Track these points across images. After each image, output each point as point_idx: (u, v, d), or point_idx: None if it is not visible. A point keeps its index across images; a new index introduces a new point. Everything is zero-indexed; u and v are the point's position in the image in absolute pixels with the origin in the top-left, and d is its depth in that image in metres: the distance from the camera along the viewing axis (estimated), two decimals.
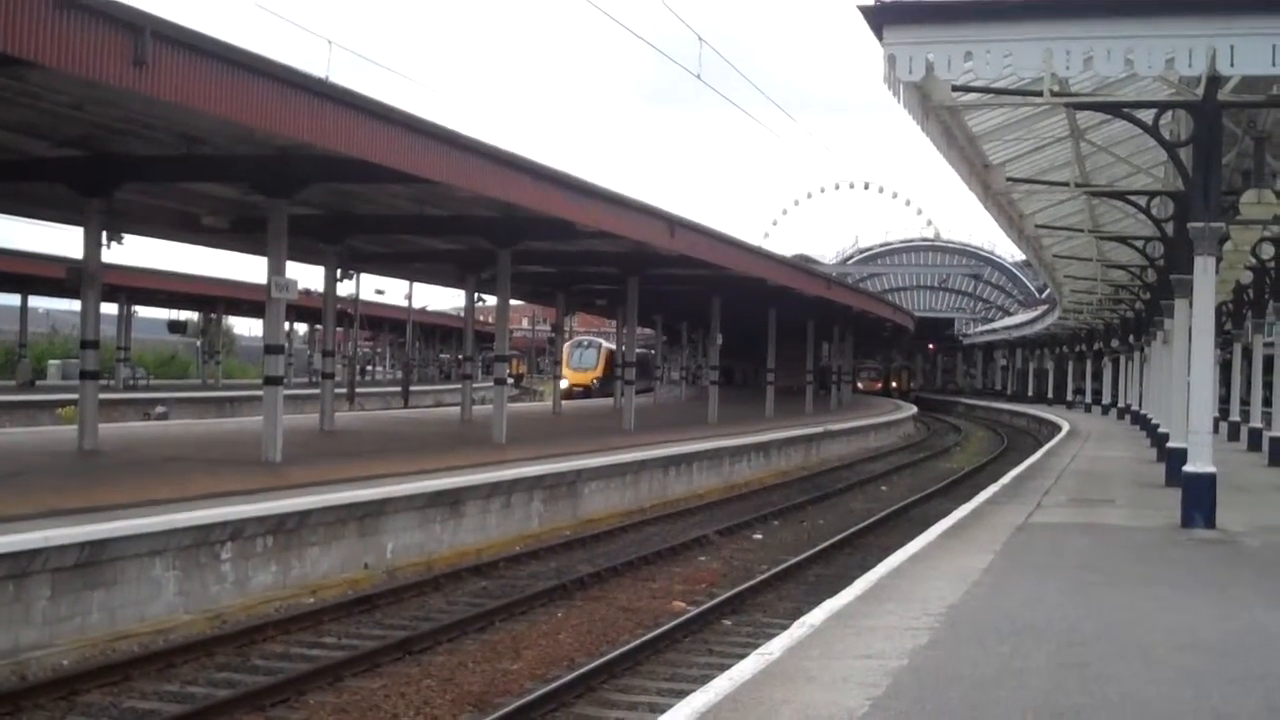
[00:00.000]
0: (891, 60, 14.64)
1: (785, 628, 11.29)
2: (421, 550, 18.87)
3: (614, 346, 65.08)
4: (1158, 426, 32.05)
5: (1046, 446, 39.14)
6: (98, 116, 18.23)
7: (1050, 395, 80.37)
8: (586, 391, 68.09)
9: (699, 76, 31.96)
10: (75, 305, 38.21)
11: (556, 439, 29.92)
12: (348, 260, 34.96)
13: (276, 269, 20.98)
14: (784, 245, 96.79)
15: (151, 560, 13.98)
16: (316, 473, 19.38)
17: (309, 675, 12.27)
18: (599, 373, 70.82)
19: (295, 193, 21.58)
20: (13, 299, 58.30)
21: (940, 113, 19.17)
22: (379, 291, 69.95)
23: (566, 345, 68.86)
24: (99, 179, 21.27)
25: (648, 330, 67.76)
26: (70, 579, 12.98)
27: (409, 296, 70.76)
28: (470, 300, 41.12)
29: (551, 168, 23.69)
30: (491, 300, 42.89)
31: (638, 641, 13.89)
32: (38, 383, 57.51)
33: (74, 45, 13.34)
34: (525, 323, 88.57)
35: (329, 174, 21.35)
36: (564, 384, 59.61)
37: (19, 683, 11.70)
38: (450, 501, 19.71)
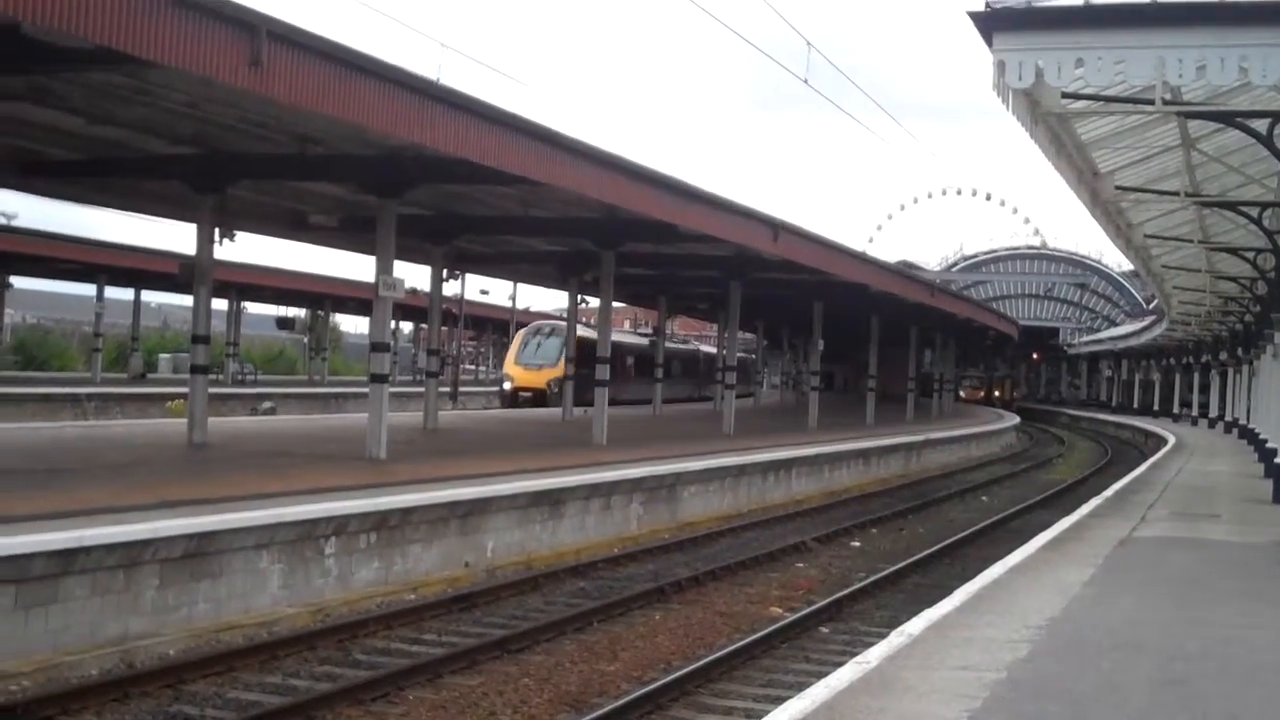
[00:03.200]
0: (1001, 66, 14.52)
1: (883, 636, 11.27)
2: (521, 550, 19.00)
3: (590, 334, 45.73)
4: (1265, 441, 31.46)
5: (1151, 460, 38.61)
6: (212, 115, 18.56)
7: (1156, 407, 79.13)
8: (539, 397, 50.23)
9: (806, 81, 32.03)
10: (187, 300, 38.97)
11: (656, 441, 29.98)
12: (454, 260, 35.33)
13: (384, 268, 21.24)
14: (888, 251, 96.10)
15: (257, 553, 14.22)
16: (419, 470, 19.59)
17: (409, 671, 12.41)
18: (559, 371, 47.73)
19: (404, 193, 21.85)
20: (126, 293, 59.48)
21: (1049, 120, 18.96)
22: (483, 292, 70.48)
23: (520, 333, 55.75)
24: (213, 176, 21.69)
25: (748, 335, 67.47)
26: (178, 569, 13.23)
27: (513, 297, 71.21)
28: (573, 302, 41.32)
29: (654, 170, 23.77)
30: (594, 302, 43.09)
31: (734, 646, 13.89)
32: (149, 376, 58.71)
33: (191, 45, 13.61)
34: (627, 325, 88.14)
35: (437, 175, 21.58)
36: (507, 385, 52.89)
37: (127, 670, 11.94)
38: (551, 502, 19.83)
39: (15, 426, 29.35)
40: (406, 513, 16.52)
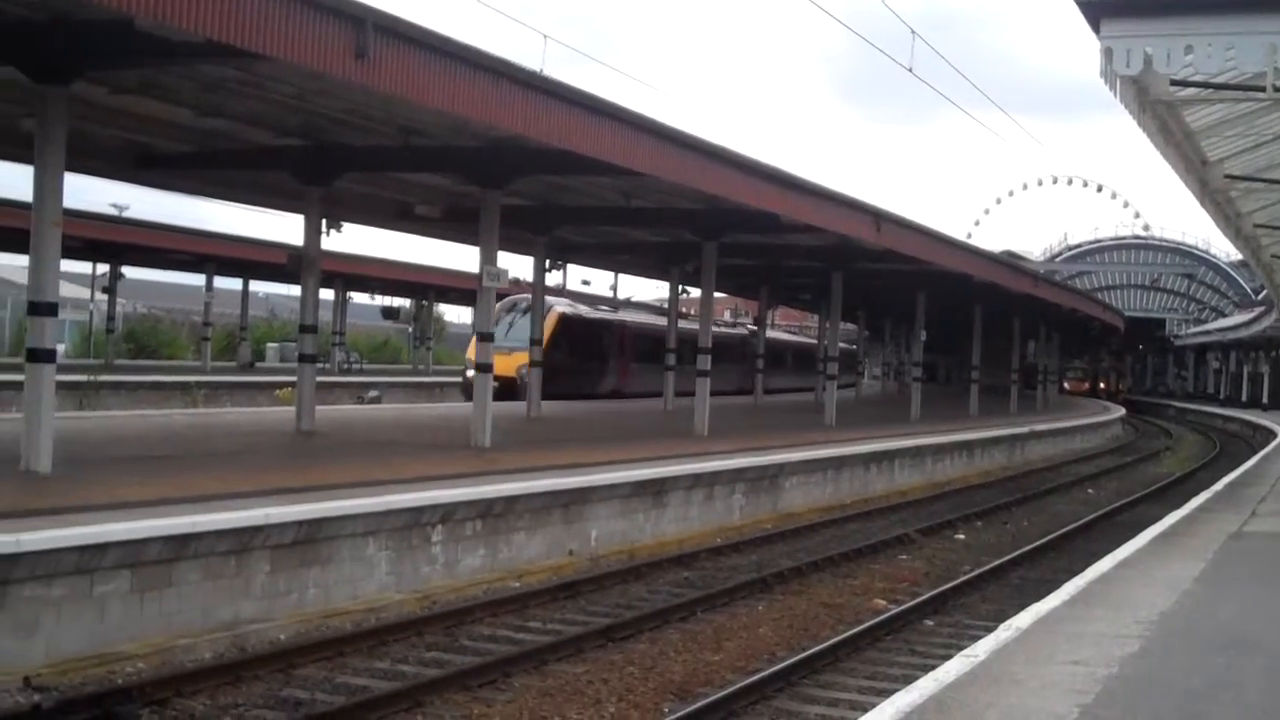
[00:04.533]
0: (1108, 54, 14.30)
1: (988, 630, 11.19)
2: (624, 538, 19.08)
3: (572, 310, 45.67)
4: None
5: (1262, 453, 37.93)
6: (319, 107, 18.80)
7: (1265, 400, 77.73)
8: (508, 387, 37.26)
9: (911, 70, 31.71)
10: (293, 290, 39.50)
11: (757, 432, 29.93)
12: (556, 250, 35.49)
13: (488, 258, 21.40)
14: (990, 241, 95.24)
15: (365, 540, 14.40)
16: (523, 459, 19.72)
17: (515, 658, 12.50)
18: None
19: (507, 184, 21.99)
20: (234, 283, 60.38)
21: (1157, 107, 18.64)
22: (585, 282, 70.63)
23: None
24: (320, 168, 21.97)
25: (850, 325, 67.02)
26: (288, 555, 13.43)
27: (614, 287, 71.23)
28: (674, 292, 41.31)
29: (756, 160, 23.72)
30: (695, 292, 43.06)
31: (839, 638, 13.84)
32: (256, 364, 59.59)
33: (299, 38, 13.78)
34: (727, 315, 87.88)
35: (540, 166, 21.69)
36: (470, 373, 33.14)
37: (239, 654, 12.14)
38: (653, 491, 19.89)
39: (128, 414, 29.95)
40: (511, 501, 16.64)
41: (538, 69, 18.53)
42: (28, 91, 15.63)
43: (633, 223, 31.19)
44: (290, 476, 15.90)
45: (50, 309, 15.07)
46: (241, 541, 12.84)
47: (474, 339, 41.29)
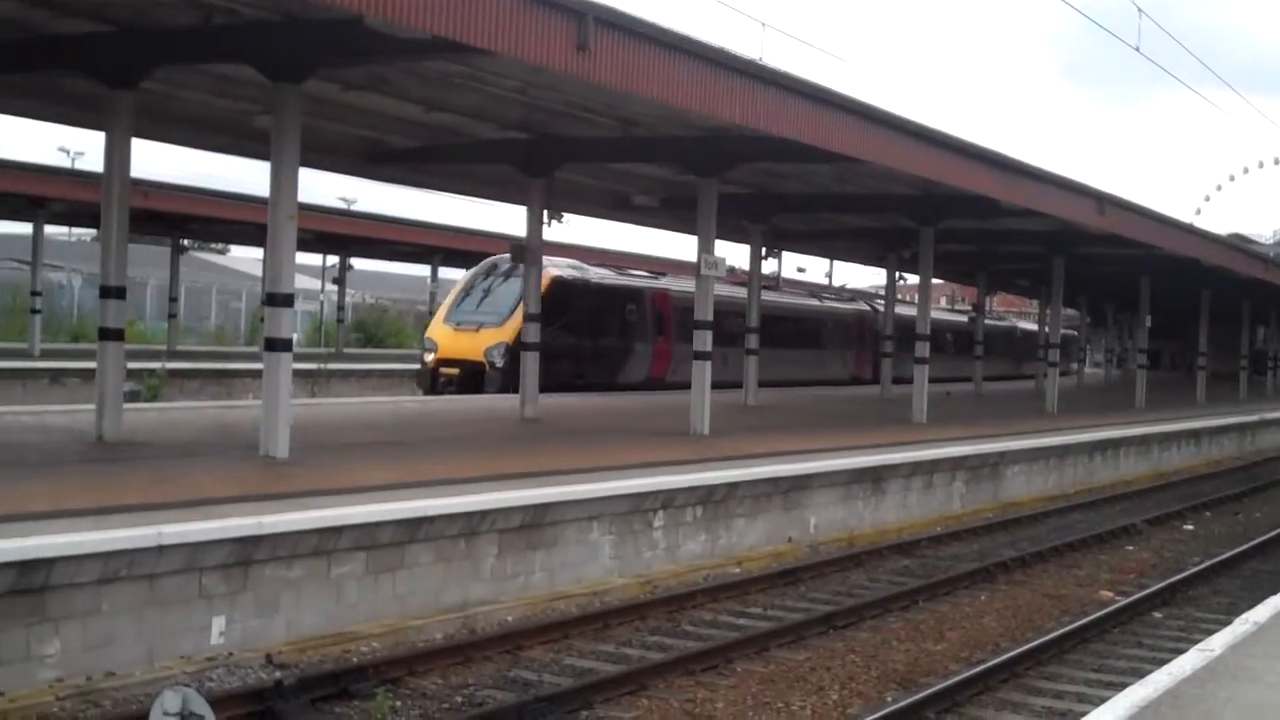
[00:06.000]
0: None
1: (1221, 623, 10.94)
2: (843, 526, 19.04)
3: (578, 274, 34.31)
4: None
5: None
6: (539, 100, 19.12)
7: None
8: (473, 377, 30.67)
9: (1138, 49, 30.82)
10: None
11: (975, 419, 29.54)
12: (772, 238, 35.44)
13: (706, 247, 21.50)
14: (1216, 223, 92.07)
15: (589, 525, 14.65)
16: (742, 446, 19.80)
17: (737, 644, 12.58)
18: (508, 336, 30.44)
19: (724, 172, 22.06)
20: (458, 273, 61.53)
21: None
22: (800, 270, 70.40)
23: (466, 275, 36.18)
24: (541, 160, 22.35)
25: (1070, 311, 65.48)
26: (515, 539, 13.73)
27: (829, 275, 70.94)
28: (891, 279, 40.90)
29: (975, 143, 23.37)
30: (912, 279, 42.63)
31: (1064, 629, 13.62)
32: None
33: (522, 32, 14.03)
34: (943, 301, 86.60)
35: (757, 153, 21.72)
36: (428, 357, 31.89)
37: (469, 635, 12.46)
38: (872, 479, 19.80)
39: (360, 401, 30.87)
40: (731, 487, 16.75)
41: (756, 57, 18.53)
42: (263, 90, 16.25)
43: (848, 209, 31.00)
44: (515, 462, 16.25)
45: (286, 300, 15.61)
46: (470, 525, 13.17)
47: (444, 307, 33.26)
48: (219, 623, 10.98)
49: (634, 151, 22.26)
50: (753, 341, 31.00)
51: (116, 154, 16.31)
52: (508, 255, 29.99)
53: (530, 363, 23.39)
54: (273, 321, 15.72)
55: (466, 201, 32.50)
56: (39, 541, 9.69)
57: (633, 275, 38.08)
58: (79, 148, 63.30)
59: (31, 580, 9.60)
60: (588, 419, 24.20)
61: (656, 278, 38.21)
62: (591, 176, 26.18)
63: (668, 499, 15.70)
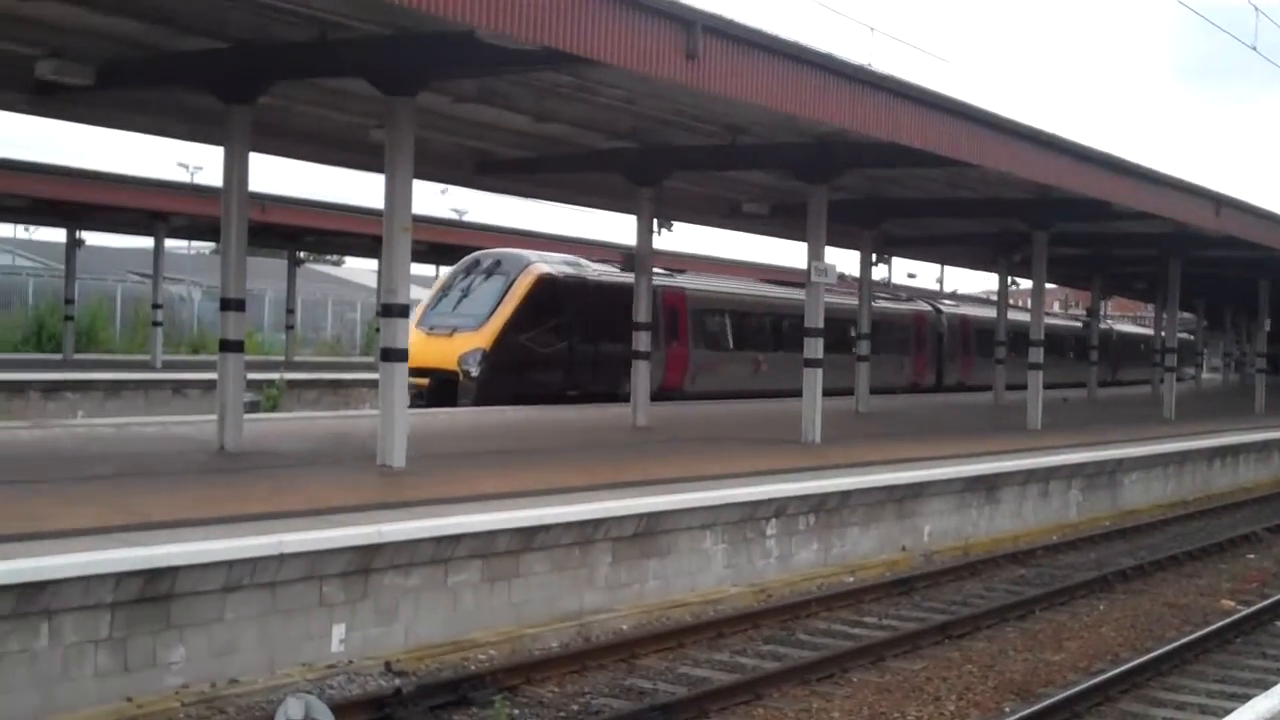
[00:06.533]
0: None
1: None
2: (958, 535, 18.87)
3: (573, 271, 30.70)
4: None
5: None
6: (649, 109, 19.20)
7: None
8: (443, 387, 27.20)
9: (1254, 48, 30.18)
10: None
11: (1091, 426, 29.17)
12: (881, 244, 35.20)
13: (815, 254, 21.42)
14: None
15: (702, 533, 14.65)
16: (853, 454, 19.70)
17: (852, 653, 12.51)
18: (485, 341, 27.68)
19: (833, 178, 21.98)
20: None
21: None
22: (910, 275, 69.95)
23: (445, 273, 33.01)
24: (650, 168, 22.44)
25: (1187, 315, 64.34)
26: (628, 548, 13.77)
27: (940, 280, 70.43)
28: (1003, 284, 40.46)
29: (1088, 146, 23.12)
30: (1025, 284, 42.11)
31: (1185, 639, 13.38)
32: None
33: (631, 42, 14.13)
34: (1056, 306, 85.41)
35: (866, 160, 21.64)
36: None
37: (584, 644, 12.50)
38: (986, 487, 19.61)
39: (470, 410, 31.11)
40: (844, 496, 16.68)
41: (865, 63, 18.46)
42: (377, 103, 16.46)
43: (958, 214, 30.77)
44: (628, 471, 16.26)
45: (402, 310, 15.79)
46: (585, 534, 13.23)
47: (420, 308, 28.22)
48: (339, 630, 11.12)
49: (742, 159, 22.24)
50: (864, 348, 30.83)
51: (235, 168, 16.61)
52: (492, 251, 29.30)
53: (641, 371, 23.47)
54: (388, 332, 15.88)
55: (576, 211, 32.63)
56: (165, 550, 9.88)
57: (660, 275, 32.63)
58: (198, 163, 64.55)
59: (158, 588, 9.80)
60: (699, 427, 24.18)
61: (673, 275, 34.14)
62: (700, 185, 26.20)
63: (780, 507, 15.65)
